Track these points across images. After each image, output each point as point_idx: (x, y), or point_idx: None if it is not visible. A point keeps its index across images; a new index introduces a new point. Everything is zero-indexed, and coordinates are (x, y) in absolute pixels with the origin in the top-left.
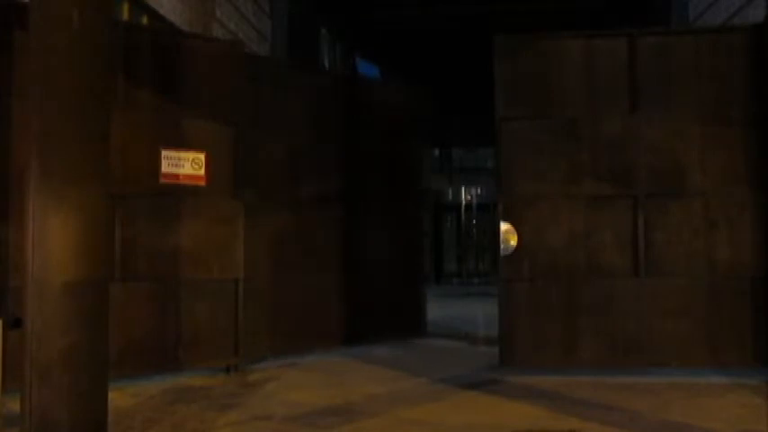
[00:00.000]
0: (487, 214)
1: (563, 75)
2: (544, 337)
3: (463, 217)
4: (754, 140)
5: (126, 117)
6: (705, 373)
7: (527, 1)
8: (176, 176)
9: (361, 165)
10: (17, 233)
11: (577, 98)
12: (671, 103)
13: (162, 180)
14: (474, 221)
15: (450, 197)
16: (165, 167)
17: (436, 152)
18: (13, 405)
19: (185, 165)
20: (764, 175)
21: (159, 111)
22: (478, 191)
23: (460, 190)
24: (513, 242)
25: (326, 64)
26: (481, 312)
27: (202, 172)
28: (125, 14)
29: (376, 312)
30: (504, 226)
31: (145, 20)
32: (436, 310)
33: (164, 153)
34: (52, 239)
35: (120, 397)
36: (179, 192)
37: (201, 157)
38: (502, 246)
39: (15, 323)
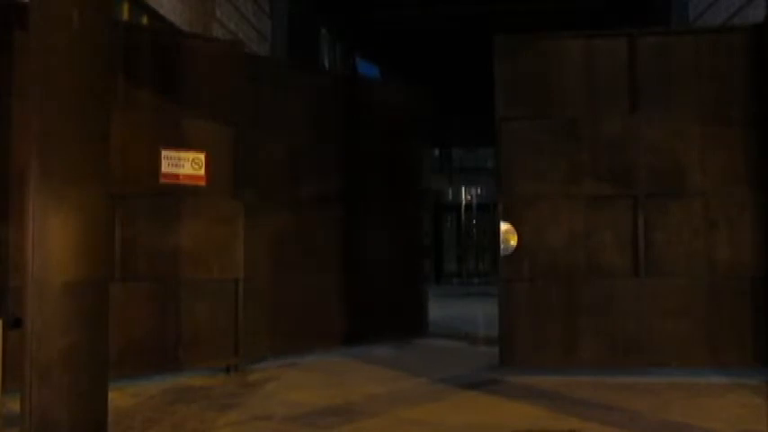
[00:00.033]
0: (487, 214)
1: (563, 75)
2: (544, 337)
3: (463, 217)
4: (754, 140)
5: (126, 117)
6: (705, 373)
7: (527, 1)
8: (176, 176)
9: (361, 165)
10: (17, 233)
11: (577, 98)
12: (671, 103)
13: (162, 180)
14: (474, 221)
15: (450, 197)
16: (165, 167)
17: (436, 152)
18: (13, 405)
19: (185, 165)
20: (764, 175)
21: (159, 111)
22: (478, 191)
23: (460, 190)
24: (513, 242)
25: (326, 64)
26: (481, 312)
27: (202, 172)
28: (125, 14)
29: (376, 312)
30: (504, 226)
31: (145, 20)
32: (436, 310)
33: (164, 153)
34: (52, 239)
35: (120, 397)
36: (179, 192)
37: (201, 157)
38: (502, 246)
39: (15, 323)
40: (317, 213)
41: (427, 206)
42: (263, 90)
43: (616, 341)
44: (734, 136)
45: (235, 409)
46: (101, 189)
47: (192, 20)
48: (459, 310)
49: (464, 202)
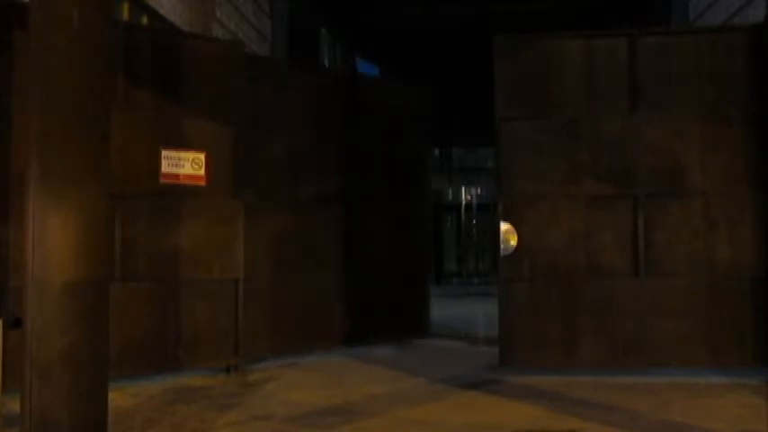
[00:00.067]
0: (487, 214)
1: (563, 75)
2: (544, 337)
3: (463, 217)
4: (754, 140)
5: (126, 117)
6: (705, 373)
7: (527, 1)
8: (176, 176)
9: (361, 165)
10: (17, 233)
11: (577, 98)
12: (671, 103)
13: (162, 180)
14: (474, 221)
15: (450, 197)
16: (165, 167)
17: (436, 152)
18: (13, 405)
19: (185, 165)
20: (764, 175)
21: (159, 111)
22: (478, 191)
23: (460, 190)
24: (513, 242)
25: (326, 64)
26: (481, 312)
27: (202, 172)
28: (125, 14)
29: (376, 312)
30: (504, 226)
31: (145, 20)
32: (436, 310)
33: (164, 153)
34: (52, 239)
35: (120, 397)
36: (179, 192)
37: (201, 157)
38: (502, 246)
39: (15, 323)
40: (317, 213)
41: (427, 206)
42: (263, 90)
43: (616, 341)
44: (734, 136)
45: (235, 409)
46: (101, 189)
47: (192, 20)
48: (460, 310)
49: (464, 202)
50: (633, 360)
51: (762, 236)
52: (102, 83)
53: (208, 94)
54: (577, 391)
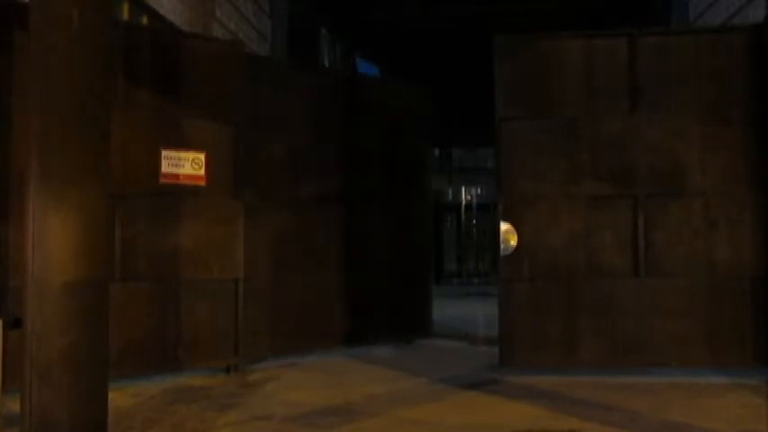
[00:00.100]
0: (487, 214)
1: (563, 75)
2: (544, 337)
3: (463, 217)
4: (754, 140)
5: (126, 117)
6: (705, 373)
7: (527, 1)
8: (176, 176)
9: (361, 164)
10: (17, 233)
11: (577, 98)
12: (671, 103)
13: (162, 180)
14: (474, 221)
15: (450, 197)
16: (165, 167)
17: (436, 152)
18: (13, 405)
19: (185, 165)
20: (764, 175)
21: (159, 111)
22: (478, 191)
23: (460, 190)
24: (513, 242)
25: (326, 64)
26: (481, 312)
27: (202, 172)
28: (125, 14)
29: (376, 312)
30: (504, 226)
31: (145, 20)
32: (436, 309)
33: (164, 153)
34: (52, 239)
35: (120, 397)
36: (179, 192)
37: (201, 157)
38: (502, 246)
39: (15, 323)
40: (317, 213)
41: (427, 206)
42: (263, 90)
43: (616, 341)
44: (734, 136)
45: (235, 409)
46: (101, 189)
47: (192, 20)
48: (460, 311)
49: (464, 202)
50: (633, 360)
51: (762, 236)
52: (102, 83)
53: (208, 94)
54: (577, 391)
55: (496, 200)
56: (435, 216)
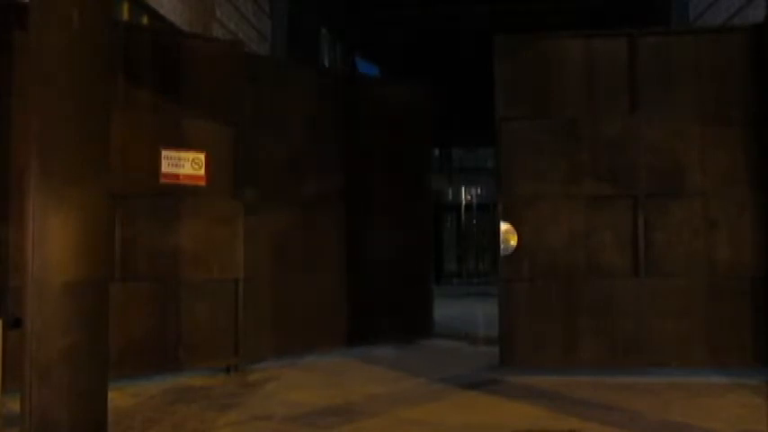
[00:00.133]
0: (487, 214)
1: (563, 75)
2: (544, 337)
3: (463, 217)
4: (754, 140)
5: (126, 117)
6: (705, 373)
7: (527, 1)
8: (176, 176)
9: (361, 164)
10: (17, 233)
11: (577, 98)
12: (671, 103)
13: (162, 180)
14: (474, 221)
15: (450, 197)
16: (165, 167)
17: (436, 152)
18: (13, 405)
19: (185, 165)
20: (764, 175)
21: (159, 111)
22: (478, 191)
23: (460, 190)
24: (513, 242)
25: (326, 64)
26: (481, 312)
27: (202, 172)
28: (125, 14)
29: (376, 312)
30: (504, 226)
31: (145, 20)
32: (436, 310)
33: (164, 153)
34: (52, 239)
35: (120, 397)
36: (179, 192)
37: (201, 157)
38: (502, 246)
39: (15, 323)
40: (317, 213)
41: (427, 206)
42: (263, 90)
43: (616, 341)
44: (734, 136)
45: (235, 409)
46: (101, 189)
47: (192, 20)
48: (460, 311)
49: (464, 202)
50: (633, 360)
51: (762, 236)
52: (102, 83)
53: (208, 94)
54: (577, 391)
55: (496, 200)
56: (435, 216)
